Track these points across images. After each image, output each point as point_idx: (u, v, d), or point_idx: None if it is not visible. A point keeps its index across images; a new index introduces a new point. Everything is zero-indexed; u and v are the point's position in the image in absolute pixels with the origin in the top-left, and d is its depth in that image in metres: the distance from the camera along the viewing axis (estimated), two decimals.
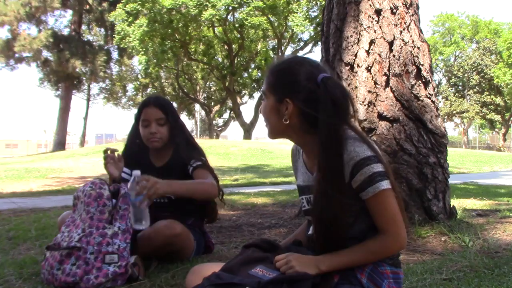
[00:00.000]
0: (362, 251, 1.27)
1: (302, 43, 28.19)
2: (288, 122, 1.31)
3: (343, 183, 1.24)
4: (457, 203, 3.83)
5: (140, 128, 2.36)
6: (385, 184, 1.23)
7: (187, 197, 2.15)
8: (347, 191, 1.25)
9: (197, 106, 41.12)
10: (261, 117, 1.45)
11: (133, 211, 1.72)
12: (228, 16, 24.19)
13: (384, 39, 2.93)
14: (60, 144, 24.83)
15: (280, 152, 17.01)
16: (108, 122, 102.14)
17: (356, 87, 2.94)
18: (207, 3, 21.20)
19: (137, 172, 1.70)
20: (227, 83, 28.18)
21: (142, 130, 2.35)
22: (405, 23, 2.99)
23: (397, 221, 1.26)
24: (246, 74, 31.23)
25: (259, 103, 28.28)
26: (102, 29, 27.33)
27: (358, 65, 2.95)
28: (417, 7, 3.15)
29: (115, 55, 28.15)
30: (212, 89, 38.00)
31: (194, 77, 34.38)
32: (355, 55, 2.97)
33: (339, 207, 1.25)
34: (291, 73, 1.32)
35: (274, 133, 1.37)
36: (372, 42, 2.94)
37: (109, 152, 2.23)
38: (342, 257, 1.27)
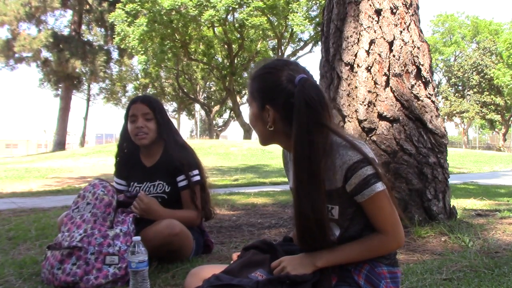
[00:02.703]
0: (360, 248, 1.26)
1: (302, 43, 28.20)
2: (273, 128, 1.30)
3: (317, 188, 1.22)
4: (457, 203, 3.83)
5: (129, 125, 2.38)
6: (380, 186, 1.22)
7: None
8: (341, 196, 1.24)
9: (197, 106, 41.17)
10: None
11: (132, 282, 1.61)
12: (228, 16, 24.19)
13: (384, 39, 2.93)
14: (60, 144, 24.83)
15: (280, 152, 16.90)
16: (108, 122, 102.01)
17: (356, 87, 2.94)
18: (207, 4, 21.20)
19: (137, 238, 1.67)
20: (227, 83, 28.18)
21: (130, 126, 2.37)
22: (405, 23, 2.99)
23: (394, 220, 1.26)
24: (246, 74, 31.21)
25: None
26: (102, 29, 27.30)
27: (358, 65, 2.95)
28: (417, 7, 3.15)
29: (115, 55, 28.16)
30: (212, 89, 38.02)
31: (194, 77, 34.39)
32: (355, 55, 2.97)
33: (321, 208, 1.22)
34: (270, 79, 1.30)
35: (264, 140, 1.37)
36: (372, 42, 2.94)
37: None
38: (339, 253, 1.26)
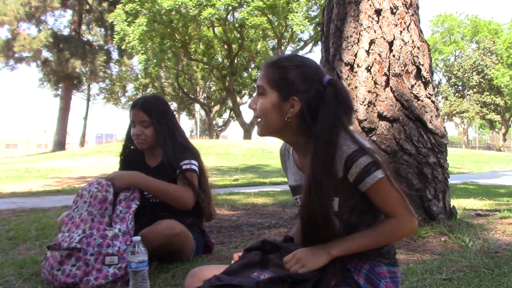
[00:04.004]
0: (373, 235, 1.26)
1: (302, 43, 28.20)
2: (288, 120, 1.29)
3: (334, 180, 1.23)
4: (457, 203, 3.83)
5: (131, 129, 2.41)
6: (381, 173, 1.24)
7: (157, 197, 2.27)
8: (342, 187, 1.25)
9: (197, 106, 41.15)
10: None
11: (132, 282, 1.61)
12: (228, 16, 24.19)
13: (384, 39, 2.93)
14: (60, 144, 24.82)
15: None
16: (108, 122, 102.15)
17: (356, 87, 2.94)
18: (207, 3, 21.19)
19: (137, 238, 1.66)
20: (227, 83, 28.17)
21: (131, 130, 2.40)
22: (405, 23, 2.99)
23: (402, 204, 1.27)
24: (246, 74, 31.20)
25: None
26: (102, 29, 27.30)
27: (358, 65, 2.95)
28: (417, 7, 3.15)
29: (115, 55, 28.14)
30: (212, 89, 38.00)
31: (194, 77, 34.37)
32: (355, 55, 2.97)
33: (329, 203, 1.24)
34: (304, 71, 1.30)
35: (269, 131, 1.33)
36: (372, 42, 2.94)
37: None
38: (353, 241, 1.26)
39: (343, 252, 1.25)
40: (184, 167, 2.30)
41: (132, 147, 2.50)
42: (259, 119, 1.33)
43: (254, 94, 1.38)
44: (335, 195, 1.27)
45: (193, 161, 2.35)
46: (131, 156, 2.50)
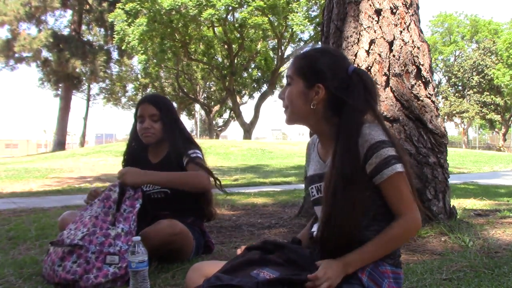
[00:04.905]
0: (384, 242, 1.26)
1: (302, 43, 28.15)
2: (314, 107, 1.33)
3: (357, 167, 1.24)
4: (457, 203, 3.83)
5: (137, 124, 2.43)
6: (400, 167, 1.25)
7: (172, 187, 2.28)
8: (360, 177, 1.25)
9: (197, 106, 41.14)
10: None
11: (132, 282, 1.61)
12: (228, 16, 24.18)
13: (384, 39, 2.93)
14: (60, 144, 24.82)
15: (280, 152, 16.99)
16: (108, 122, 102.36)
17: None
18: (207, 3, 21.19)
19: (137, 238, 1.66)
20: (227, 83, 28.17)
21: (138, 126, 2.42)
22: (405, 23, 2.99)
23: (412, 203, 1.29)
24: (246, 74, 31.20)
25: (259, 103, 28.40)
26: (102, 29, 27.30)
27: (358, 65, 2.95)
28: (417, 7, 3.15)
29: (115, 55, 28.15)
30: (212, 89, 37.99)
31: (194, 77, 34.37)
32: (355, 55, 2.97)
33: (351, 190, 1.24)
34: (325, 60, 1.34)
35: (295, 119, 1.38)
36: (372, 42, 2.94)
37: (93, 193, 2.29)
38: (365, 254, 1.26)
39: (358, 266, 1.26)
40: (192, 155, 2.35)
41: (134, 145, 2.51)
42: (286, 108, 1.38)
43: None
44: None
45: (198, 151, 2.40)
46: (134, 154, 2.51)
